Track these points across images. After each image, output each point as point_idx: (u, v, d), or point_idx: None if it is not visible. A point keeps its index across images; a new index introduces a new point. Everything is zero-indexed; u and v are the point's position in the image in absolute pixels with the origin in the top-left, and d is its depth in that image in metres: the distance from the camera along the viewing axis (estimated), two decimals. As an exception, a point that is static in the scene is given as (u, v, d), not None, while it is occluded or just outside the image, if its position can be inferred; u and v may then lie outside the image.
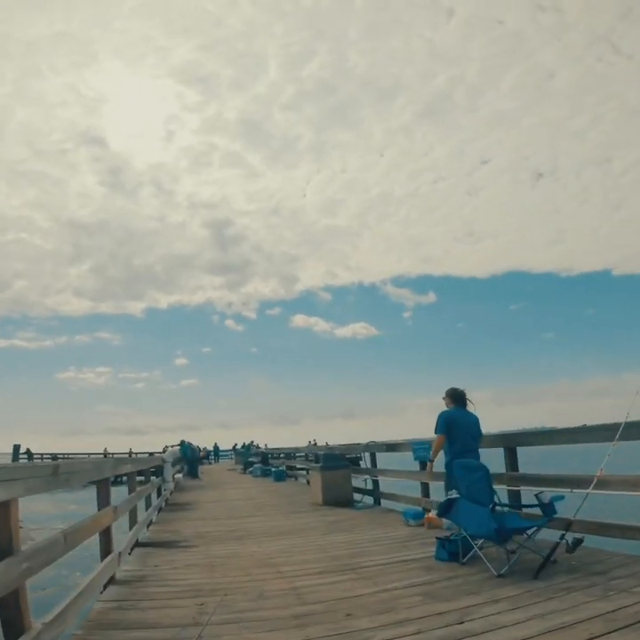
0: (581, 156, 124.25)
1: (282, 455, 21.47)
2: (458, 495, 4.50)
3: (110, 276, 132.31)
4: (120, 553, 4.43)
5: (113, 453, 35.27)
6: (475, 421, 5.30)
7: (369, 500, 9.05)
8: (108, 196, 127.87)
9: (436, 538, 4.79)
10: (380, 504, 8.76)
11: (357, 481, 9.43)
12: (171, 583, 4.29)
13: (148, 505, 7.91)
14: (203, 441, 41.07)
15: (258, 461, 21.24)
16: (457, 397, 5.33)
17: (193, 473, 19.27)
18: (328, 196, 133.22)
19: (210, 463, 35.28)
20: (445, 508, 4.63)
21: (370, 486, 8.94)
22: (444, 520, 5.86)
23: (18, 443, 37.08)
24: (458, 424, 5.18)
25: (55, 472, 2.81)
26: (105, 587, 4.05)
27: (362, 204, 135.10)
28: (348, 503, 9.00)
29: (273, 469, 16.73)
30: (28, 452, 37.67)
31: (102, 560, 4.04)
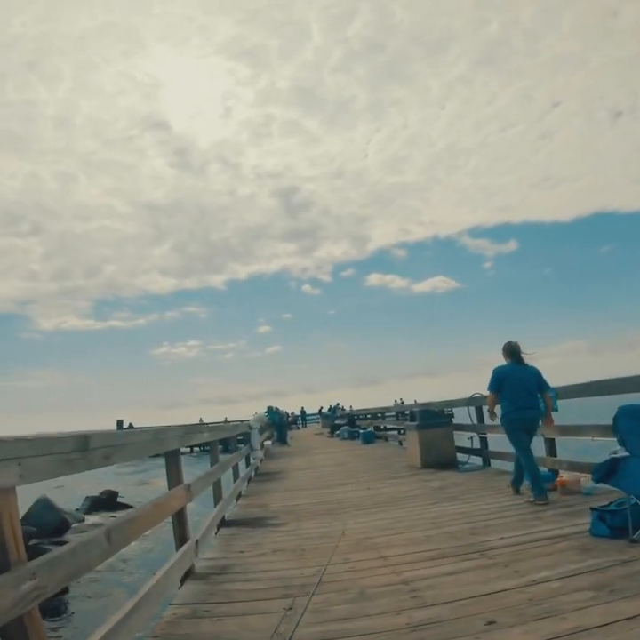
0: None
1: (368, 416, 20.77)
2: (626, 453, 3.31)
3: (191, 252, 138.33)
4: (198, 540, 3.77)
5: (207, 423, 36.13)
6: (531, 375, 5.00)
7: (476, 460, 7.95)
8: (178, 176, 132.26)
9: (591, 509, 3.64)
10: (489, 465, 7.64)
11: (462, 440, 8.37)
12: (256, 576, 3.55)
13: (236, 476, 7.44)
14: (290, 406, 41.58)
15: (344, 424, 20.75)
16: (511, 352, 5.09)
17: (282, 439, 19.16)
18: (391, 153, 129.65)
19: (298, 428, 35.78)
20: (608, 471, 3.45)
21: (477, 445, 7.81)
22: (585, 483, 4.69)
23: (121, 418, 38.83)
24: (511, 379, 4.98)
25: (84, 446, 1.99)
26: (182, 581, 3.42)
27: (428, 159, 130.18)
28: (451, 465, 7.97)
29: (361, 431, 16.06)
30: (130, 426, 38.40)
31: (177, 550, 3.40)
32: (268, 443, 15.59)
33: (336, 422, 23.97)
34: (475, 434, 7.79)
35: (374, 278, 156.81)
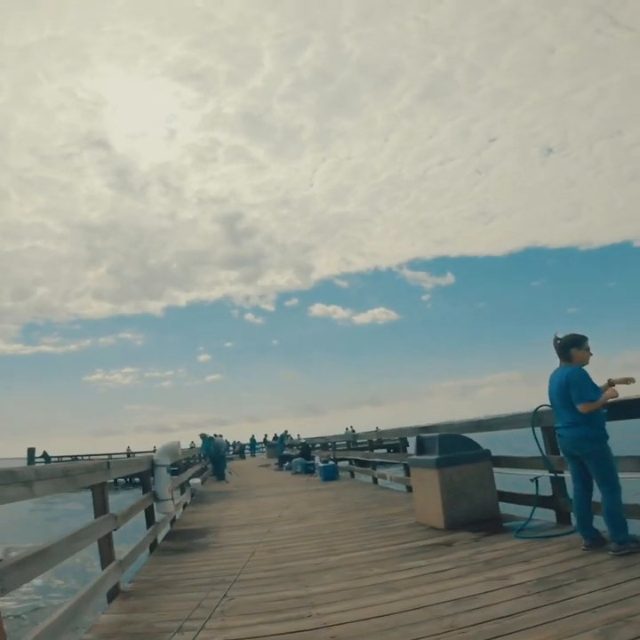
0: (590, 129, 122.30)
1: (317, 446, 17.53)
2: None
3: (127, 276, 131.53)
4: None
5: (135, 452, 33.67)
6: (559, 377, 3.75)
7: (543, 514, 4.71)
8: (116, 197, 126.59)
9: None
10: (570, 522, 4.43)
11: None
12: None
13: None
14: (232, 435, 37.73)
15: (296, 455, 17.16)
16: (556, 350, 3.85)
17: (219, 474, 15.24)
18: (335, 183, 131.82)
19: (244, 458, 31.80)
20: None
21: (543, 490, 4.58)
22: None
23: (32, 446, 35.97)
24: (549, 388, 3.89)
25: None
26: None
27: (370, 190, 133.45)
28: (492, 523, 4.73)
29: (320, 465, 12.52)
30: (44, 454, 35.91)
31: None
32: (196, 480, 11.56)
33: (285, 453, 20.38)
34: (541, 473, 4.56)
35: (318, 308, 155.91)
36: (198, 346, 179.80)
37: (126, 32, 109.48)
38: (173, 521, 7.33)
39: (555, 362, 3.87)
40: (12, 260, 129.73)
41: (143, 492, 5.69)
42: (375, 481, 9.86)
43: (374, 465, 10.29)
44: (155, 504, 5.74)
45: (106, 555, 3.67)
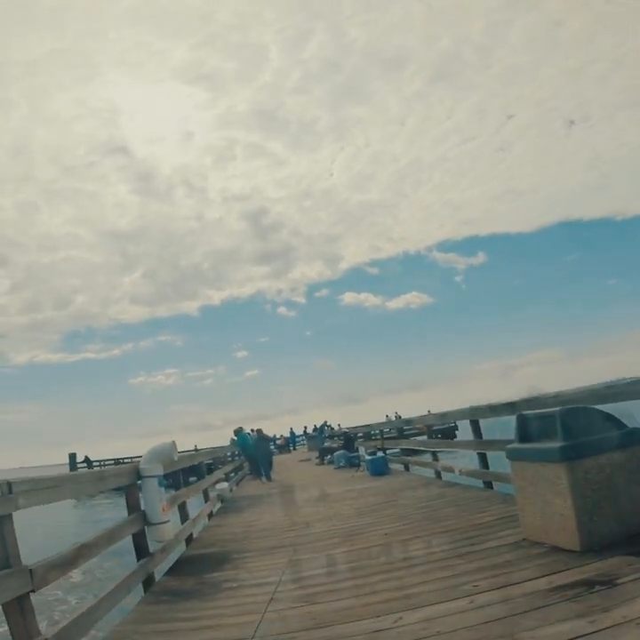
0: (610, 100, 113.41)
1: (359, 435, 15.87)
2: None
3: (161, 279, 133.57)
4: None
5: (199, 449, 32.39)
6: None
7: None
8: (142, 202, 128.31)
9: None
10: None
11: None
12: None
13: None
14: (274, 429, 36.34)
15: (337, 446, 15.48)
16: None
17: (257, 472, 13.58)
18: (356, 172, 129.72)
19: (289, 452, 30.16)
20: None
21: None
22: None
23: (73, 451, 36.18)
24: None
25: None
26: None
27: (392, 175, 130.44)
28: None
29: (367, 457, 10.78)
30: (86, 459, 35.25)
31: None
32: (224, 485, 9.91)
33: (325, 445, 18.76)
34: None
35: (349, 297, 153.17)
36: (235, 343, 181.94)
37: (130, 39, 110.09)
38: (190, 539, 5.78)
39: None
40: (49, 271, 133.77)
41: (128, 513, 4.07)
42: (438, 475, 8.01)
43: (434, 454, 8.43)
44: (146, 529, 4.12)
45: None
